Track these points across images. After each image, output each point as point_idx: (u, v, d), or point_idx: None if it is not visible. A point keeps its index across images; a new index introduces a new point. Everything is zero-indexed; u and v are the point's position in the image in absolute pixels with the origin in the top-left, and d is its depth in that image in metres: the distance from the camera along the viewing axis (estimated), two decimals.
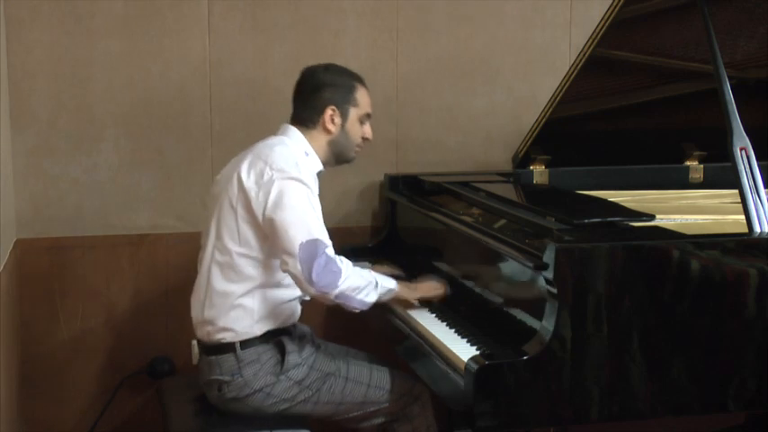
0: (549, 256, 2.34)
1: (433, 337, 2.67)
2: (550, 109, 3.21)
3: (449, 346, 2.58)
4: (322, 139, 2.85)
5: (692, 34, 2.99)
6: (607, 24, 2.91)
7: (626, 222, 2.62)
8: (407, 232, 3.46)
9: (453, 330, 2.71)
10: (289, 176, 2.69)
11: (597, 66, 3.09)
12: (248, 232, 2.71)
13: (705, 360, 2.44)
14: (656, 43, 3.14)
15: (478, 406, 2.32)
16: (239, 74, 3.45)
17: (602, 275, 2.37)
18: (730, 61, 2.96)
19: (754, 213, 2.52)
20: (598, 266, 2.37)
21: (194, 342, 2.85)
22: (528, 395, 2.34)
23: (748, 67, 3.18)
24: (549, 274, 2.34)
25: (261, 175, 2.70)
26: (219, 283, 2.74)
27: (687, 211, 3.04)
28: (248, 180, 2.70)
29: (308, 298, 2.80)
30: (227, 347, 2.73)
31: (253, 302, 2.73)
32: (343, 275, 2.67)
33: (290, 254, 2.66)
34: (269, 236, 2.69)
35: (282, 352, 2.74)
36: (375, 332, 3.17)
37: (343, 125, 2.85)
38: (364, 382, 2.81)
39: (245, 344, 2.73)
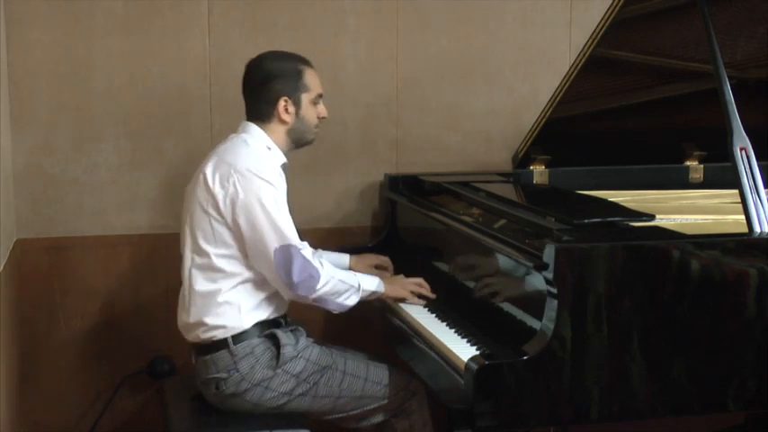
0: (548, 256, 2.35)
1: (433, 337, 2.68)
2: (550, 109, 3.21)
3: (449, 346, 2.58)
4: (280, 130, 2.86)
5: (692, 34, 2.99)
6: (607, 24, 2.91)
7: (626, 222, 2.62)
8: (407, 232, 3.46)
9: (453, 330, 2.71)
10: (254, 177, 2.70)
11: (597, 66, 3.09)
12: (224, 233, 2.72)
13: (705, 360, 2.44)
14: (656, 43, 3.14)
15: (478, 406, 2.32)
16: (239, 74, 3.42)
17: (602, 275, 2.37)
18: (730, 61, 2.96)
19: (754, 213, 2.53)
20: (598, 266, 2.37)
21: None
22: (528, 395, 2.35)
23: (748, 67, 3.18)
24: (549, 274, 2.34)
25: (226, 178, 2.71)
26: (201, 284, 2.75)
27: (687, 211, 3.05)
28: (214, 184, 2.72)
29: None
30: (220, 344, 2.74)
31: (238, 296, 2.74)
32: (322, 280, 2.71)
33: (266, 260, 2.69)
34: (243, 240, 2.71)
35: (277, 345, 2.75)
36: (375, 332, 3.17)
37: (297, 113, 2.86)
38: (361, 376, 2.82)
39: (237, 338, 2.74)
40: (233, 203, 2.69)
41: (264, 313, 2.78)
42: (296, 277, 2.68)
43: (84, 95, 3.35)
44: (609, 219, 2.63)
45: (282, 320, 2.84)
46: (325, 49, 3.50)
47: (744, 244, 2.47)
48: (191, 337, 2.80)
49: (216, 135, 3.43)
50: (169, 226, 3.37)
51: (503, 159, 3.63)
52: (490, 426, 2.34)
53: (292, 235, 2.71)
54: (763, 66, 3.18)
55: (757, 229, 2.51)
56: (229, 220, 2.71)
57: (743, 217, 2.54)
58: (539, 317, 2.39)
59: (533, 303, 2.45)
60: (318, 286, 2.71)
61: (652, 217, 2.65)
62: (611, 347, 2.38)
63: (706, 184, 3.50)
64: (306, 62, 2.90)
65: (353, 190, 3.61)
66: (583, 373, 2.37)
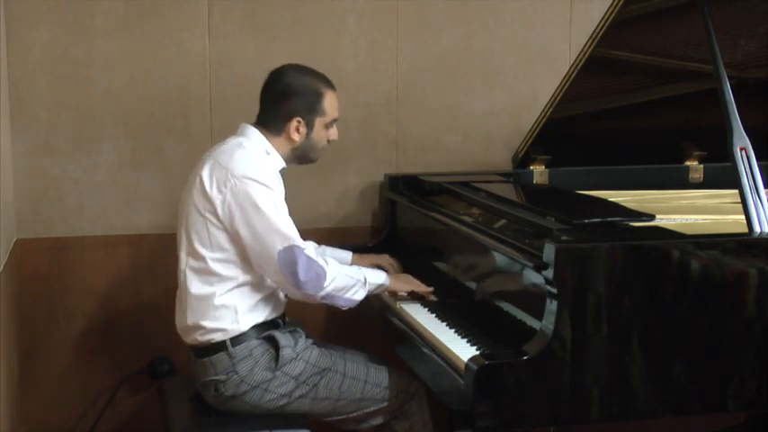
0: (548, 256, 2.34)
1: (433, 337, 2.67)
2: (550, 109, 3.21)
3: (449, 346, 2.58)
4: (285, 145, 2.84)
5: (692, 34, 2.99)
6: (607, 24, 2.91)
7: (626, 222, 2.62)
8: (407, 232, 3.46)
9: (453, 330, 2.71)
10: (251, 181, 2.68)
11: (597, 66, 3.09)
12: (221, 237, 2.71)
13: (705, 360, 2.44)
14: (656, 43, 3.14)
15: (478, 406, 2.32)
16: (239, 74, 3.45)
17: (602, 275, 2.37)
18: (730, 61, 2.96)
19: (754, 213, 2.52)
20: (598, 266, 2.37)
21: None
22: (528, 395, 2.34)
23: (748, 67, 3.18)
24: (549, 273, 2.34)
25: (223, 183, 2.69)
26: (197, 287, 2.74)
27: (687, 211, 3.05)
28: (212, 189, 2.70)
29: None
30: (219, 347, 2.74)
31: (234, 299, 2.74)
32: (329, 277, 2.70)
33: (269, 264, 2.68)
34: (241, 244, 2.70)
35: (276, 347, 2.75)
36: (375, 332, 3.17)
37: (307, 134, 2.84)
38: (361, 378, 2.82)
39: (236, 340, 2.73)
40: (231, 209, 2.68)
41: (262, 315, 2.78)
42: (302, 277, 2.67)
43: (84, 95, 3.35)
44: (609, 219, 2.63)
45: (281, 321, 2.84)
46: (325, 49, 3.50)
47: (744, 244, 2.47)
48: (189, 339, 2.80)
49: (216, 135, 3.43)
50: (169, 226, 3.36)
51: (503, 159, 3.63)
52: (490, 426, 2.34)
53: (294, 235, 2.70)
54: (763, 66, 3.18)
55: (757, 229, 2.51)
56: (228, 224, 2.70)
57: (743, 217, 2.54)
58: (539, 317, 2.39)
59: (533, 303, 2.45)
60: (325, 284, 2.70)
61: (652, 217, 2.65)
62: (612, 347, 2.38)
63: (706, 184, 3.50)
64: (328, 84, 2.86)
65: (353, 190, 3.61)
66: (583, 373, 2.37)
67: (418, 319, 2.83)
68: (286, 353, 2.74)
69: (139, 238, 3.44)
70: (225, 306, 2.73)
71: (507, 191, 3.25)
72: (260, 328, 2.77)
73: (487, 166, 3.63)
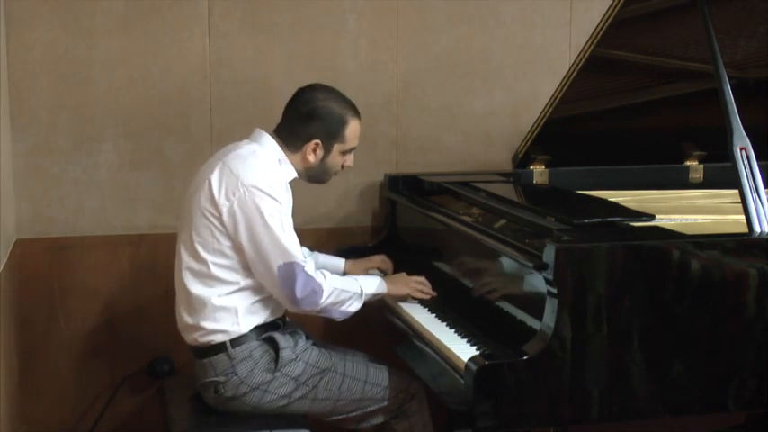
0: (548, 256, 2.34)
1: (433, 337, 2.67)
2: (550, 109, 3.21)
3: (449, 346, 2.58)
4: (299, 163, 2.83)
5: (691, 34, 2.99)
6: (607, 24, 2.91)
7: (626, 222, 2.62)
8: (407, 232, 3.46)
9: (453, 330, 2.71)
10: (260, 192, 2.67)
11: (597, 66, 3.09)
12: (223, 244, 2.71)
13: (705, 360, 2.44)
14: (656, 43, 3.14)
15: (478, 406, 2.32)
16: (239, 74, 3.45)
17: (602, 275, 2.37)
18: (730, 61, 2.96)
19: (754, 213, 2.52)
20: (598, 266, 2.37)
21: None
22: (528, 395, 2.34)
23: (748, 67, 3.18)
24: (549, 274, 2.34)
25: (232, 191, 2.68)
26: (196, 287, 2.74)
27: (687, 211, 3.05)
28: (220, 195, 2.68)
29: None
30: (219, 348, 2.74)
31: (233, 301, 2.73)
32: (325, 293, 2.71)
33: (269, 276, 2.69)
34: (243, 252, 2.70)
35: (276, 348, 2.75)
36: (375, 332, 3.17)
37: (323, 158, 2.84)
38: (361, 378, 2.82)
39: (236, 342, 2.73)
40: (237, 218, 2.67)
41: (262, 316, 2.78)
42: (299, 293, 2.68)
43: (84, 95, 3.35)
44: (609, 219, 2.63)
45: (281, 322, 2.84)
46: (325, 49, 3.51)
47: (744, 244, 2.47)
48: (189, 338, 2.80)
49: (216, 135, 3.43)
50: (169, 226, 3.37)
51: (503, 159, 3.63)
52: (490, 426, 2.34)
53: (296, 252, 2.69)
54: (763, 66, 3.18)
55: (757, 229, 2.51)
56: (231, 232, 2.69)
57: (743, 217, 2.54)
58: (539, 317, 2.39)
59: (533, 303, 2.45)
60: (321, 300, 2.71)
61: (652, 217, 2.65)
62: (611, 347, 2.38)
63: (706, 184, 3.50)
64: (355, 113, 2.86)
65: (353, 190, 3.61)
66: (583, 373, 2.37)
67: (418, 319, 2.83)
68: (286, 354, 2.74)
69: (139, 238, 3.44)
70: (225, 308, 2.73)
71: (507, 191, 3.25)
72: (260, 329, 2.77)
73: (487, 166, 3.63)
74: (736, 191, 2.57)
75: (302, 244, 2.78)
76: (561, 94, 3.14)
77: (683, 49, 3.13)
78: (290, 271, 2.67)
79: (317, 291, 2.70)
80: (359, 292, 2.80)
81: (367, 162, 3.56)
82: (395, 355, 2.97)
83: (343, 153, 2.87)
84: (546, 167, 3.46)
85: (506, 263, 2.63)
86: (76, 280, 3.41)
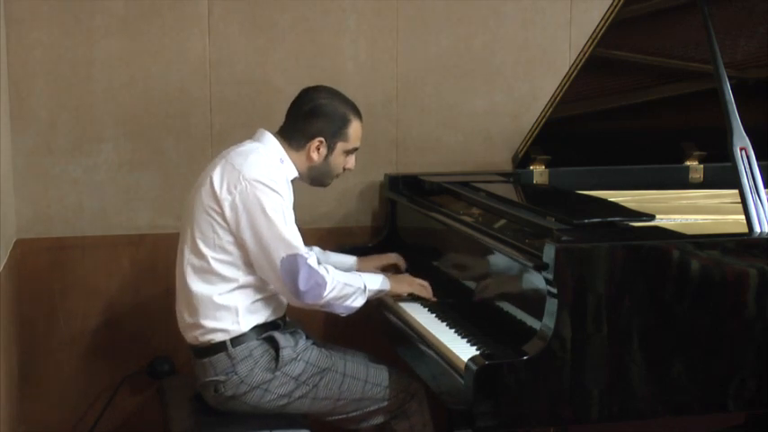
0: (548, 256, 2.34)
1: (433, 337, 2.68)
2: (550, 109, 3.21)
3: (449, 346, 2.58)
4: (302, 163, 2.85)
5: (691, 34, 2.99)
6: (607, 24, 2.91)
7: (626, 222, 2.62)
8: (407, 232, 3.46)
9: (453, 330, 2.71)
10: (262, 185, 2.68)
11: (597, 66, 3.09)
12: (225, 239, 2.71)
13: (705, 360, 2.44)
14: (656, 43, 3.14)
15: (478, 406, 2.32)
16: (239, 74, 3.45)
17: (602, 275, 2.37)
18: (730, 61, 2.96)
19: (754, 213, 2.53)
20: (598, 266, 2.37)
21: None
22: (528, 395, 2.34)
23: (748, 67, 3.18)
24: (549, 274, 2.34)
25: (234, 185, 2.69)
26: (197, 285, 2.74)
27: (687, 211, 3.05)
28: (221, 190, 2.69)
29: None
30: (219, 347, 2.74)
31: (234, 300, 2.74)
32: (329, 286, 2.71)
33: (271, 269, 2.68)
34: (245, 248, 2.70)
35: (276, 348, 2.75)
36: (375, 332, 3.17)
37: (327, 157, 2.85)
38: (361, 378, 2.82)
39: (236, 341, 2.73)
40: (239, 211, 2.68)
41: (262, 316, 2.78)
42: (302, 286, 2.68)
43: (84, 95, 3.35)
44: (609, 219, 2.63)
45: (281, 322, 2.84)
46: (325, 49, 3.51)
47: (744, 244, 2.48)
48: (189, 337, 2.80)
49: (216, 135, 3.43)
50: (169, 226, 3.37)
51: (503, 159, 3.63)
52: (490, 426, 2.34)
53: (299, 244, 2.70)
54: (763, 66, 3.18)
55: (757, 229, 2.51)
56: (233, 226, 2.69)
57: (743, 217, 2.54)
58: (539, 317, 2.39)
59: (533, 303, 2.45)
60: (325, 293, 2.71)
61: (652, 217, 2.65)
62: (611, 347, 2.38)
63: (706, 184, 3.50)
64: (357, 113, 2.89)
65: (353, 190, 3.62)
66: (583, 373, 2.37)
67: (418, 319, 2.83)
68: (286, 353, 2.74)
69: (139, 238, 3.44)
70: (226, 306, 2.73)
71: (507, 191, 3.25)
72: (260, 328, 2.77)
73: (487, 166, 3.63)
74: (736, 191, 2.57)
75: (305, 243, 2.78)
76: (561, 94, 3.14)
77: (683, 49, 3.13)
78: (293, 263, 2.66)
79: (320, 284, 2.69)
80: (362, 287, 2.79)
81: (367, 162, 3.56)
82: (395, 355, 2.97)
83: (346, 153, 2.88)
84: (546, 167, 3.46)
85: (506, 263, 2.63)
86: (77, 280, 3.41)
